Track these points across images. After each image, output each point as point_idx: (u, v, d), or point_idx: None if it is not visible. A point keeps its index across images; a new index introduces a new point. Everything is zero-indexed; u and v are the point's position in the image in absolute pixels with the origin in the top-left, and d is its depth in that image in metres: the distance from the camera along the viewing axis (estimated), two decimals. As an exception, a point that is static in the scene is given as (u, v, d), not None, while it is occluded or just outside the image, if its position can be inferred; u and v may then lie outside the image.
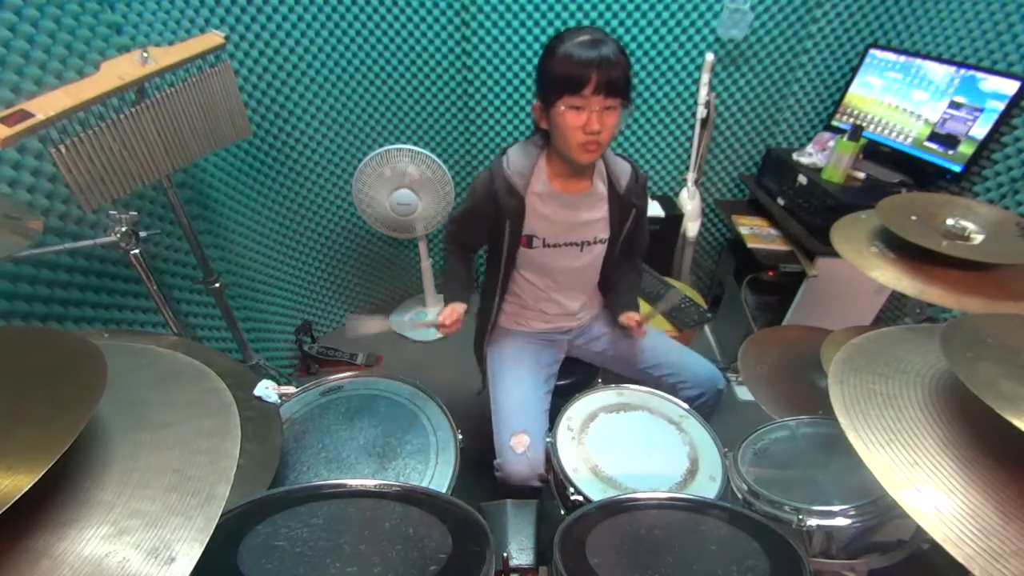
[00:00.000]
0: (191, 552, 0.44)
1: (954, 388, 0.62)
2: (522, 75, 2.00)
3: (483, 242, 1.28)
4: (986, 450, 0.54)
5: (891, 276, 1.02)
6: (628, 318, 1.26)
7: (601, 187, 1.19)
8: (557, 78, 0.98)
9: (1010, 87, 1.46)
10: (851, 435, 0.58)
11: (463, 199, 1.25)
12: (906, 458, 0.55)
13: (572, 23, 1.89)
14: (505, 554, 0.80)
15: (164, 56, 1.15)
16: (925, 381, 0.64)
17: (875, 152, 1.83)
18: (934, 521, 0.49)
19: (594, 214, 1.19)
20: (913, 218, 1.10)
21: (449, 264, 1.34)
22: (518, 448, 1.09)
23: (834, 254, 1.13)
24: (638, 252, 1.37)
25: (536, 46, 1.94)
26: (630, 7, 1.86)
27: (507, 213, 1.13)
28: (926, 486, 0.52)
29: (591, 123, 0.99)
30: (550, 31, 1.91)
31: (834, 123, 1.99)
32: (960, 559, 0.45)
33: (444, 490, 0.90)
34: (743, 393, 1.98)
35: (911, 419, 0.59)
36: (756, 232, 1.96)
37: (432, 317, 2.34)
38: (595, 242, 1.22)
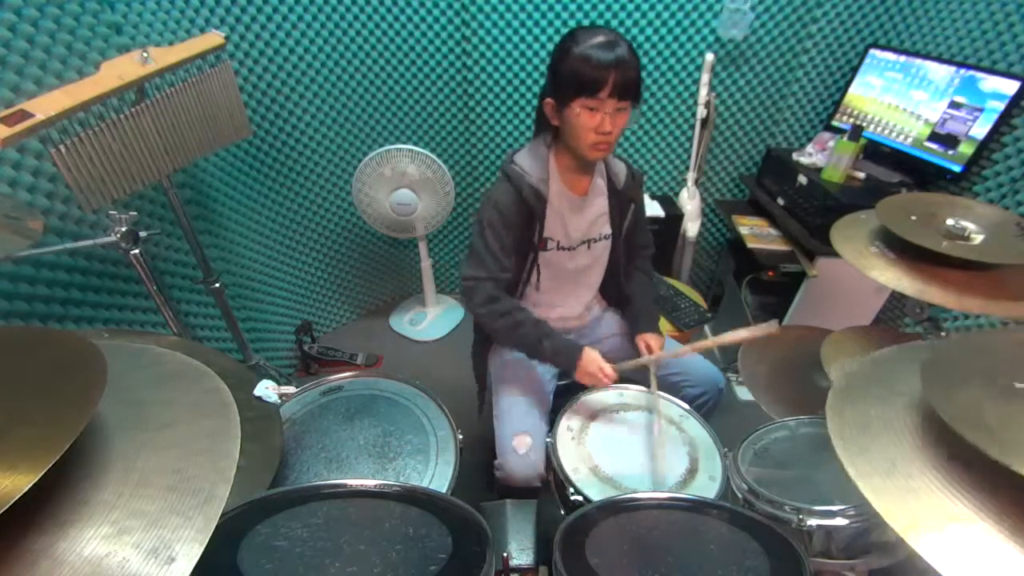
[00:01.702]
0: (191, 552, 0.44)
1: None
2: (522, 75, 2.00)
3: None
4: (979, 471, 0.53)
5: (891, 276, 1.02)
6: (644, 344, 1.22)
7: (601, 183, 1.20)
8: (573, 79, 0.98)
9: (1010, 87, 1.46)
10: (852, 471, 0.57)
11: (482, 232, 1.12)
12: (904, 486, 0.53)
13: (572, 23, 1.89)
14: (505, 554, 0.80)
15: (164, 56, 1.15)
16: (921, 404, 0.63)
17: (875, 152, 1.83)
18: (937, 552, 0.48)
19: (597, 210, 1.20)
20: (913, 218, 1.10)
21: (520, 316, 1.14)
22: (520, 449, 1.09)
23: (834, 254, 1.13)
24: (641, 251, 1.37)
25: (536, 46, 1.94)
26: (630, 7, 1.86)
27: (537, 219, 1.13)
28: (926, 515, 0.51)
29: (604, 124, 1.00)
30: (550, 31, 1.91)
31: (834, 123, 1.99)
32: None
33: (444, 490, 0.90)
34: (743, 393, 1.97)
35: (909, 445, 0.58)
36: (756, 232, 1.96)
37: (431, 318, 2.37)
38: (600, 238, 1.23)
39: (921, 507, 0.52)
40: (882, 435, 0.60)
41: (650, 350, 1.21)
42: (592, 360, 1.11)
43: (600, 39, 0.97)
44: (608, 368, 1.11)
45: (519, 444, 1.10)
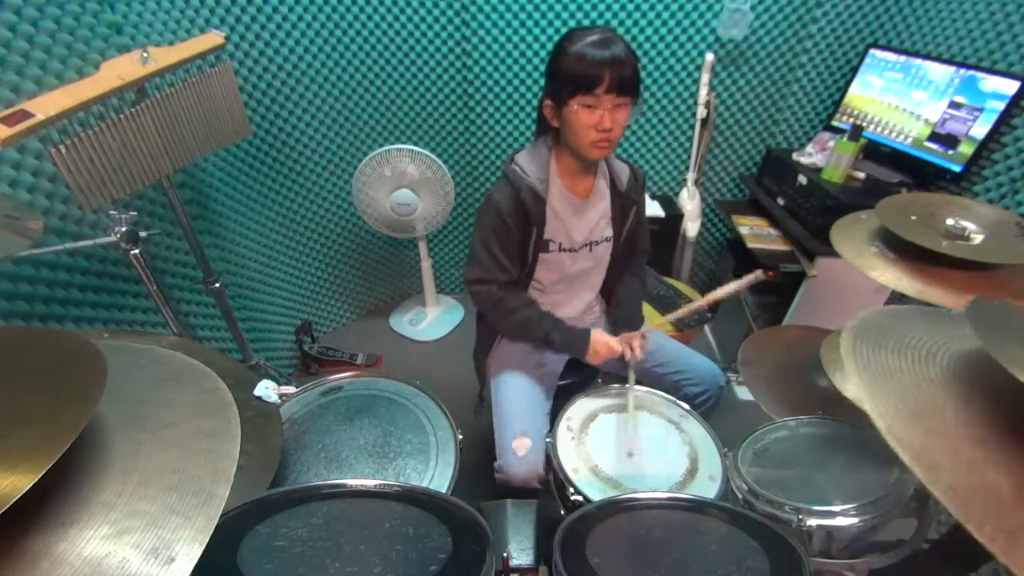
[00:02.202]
0: (191, 552, 0.44)
1: (970, 367, 0.61)
2: (522, 75, 2.00)
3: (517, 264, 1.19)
4: (1003, 429, 0.53)
5: (891, 276, 1.02)
6: (626, 344, 1.19)
7: (603, 185, 1.20)
8: (570, 77, 0.98)
9: (1010, 87, 1.46)
10: (868, 405, 0.57)
11: (483, 234, 1.14)
12: (923, 431, 0.54)
13: (572, 23, 1.90)
14: (505, 554, 0.79)
15: (164, 56, 1.15)
16: (937, 360, 0.64)
17: (875, 152, 1.83)
18: (953, 498, 0.48)
19: (599, 213, 1.20)
20: (913, 218, 1.10)
21: (526, 313, 1.19)
22: (519, 451, 1.09)
23: (834, 254, 1.13)
24: (639, 253, 1.37)
25: (536, 46, 1.94)
26: (630, 7, 1.86)
27: (535, 221, 1.12)
28: (946, 461, 0.51)
29: (603, 121, 1.00)
30: (550, 31, 1.91)
31: (834, 123, 1.99)
32: (981, 538, 0.45)
33: (444, 490, 0.90)
34: (743, 393, 1.97)
35: (926, 393, 0.58)
36: (756, 232, 1.96)
37: (431, 318, 2.37)
38: (602, 240, 1.23)
39: (935, 447, 0.52)
40: (897, 379, 0.60)
41: (631, 349, 1.19)
42: (601, 343, 1.19)
43: (595, 37, 0.97)
44: (615, 344, 1.18)
45: (519, 446, 1.10)
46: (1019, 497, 0.48)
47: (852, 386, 0.62)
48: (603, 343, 1.19)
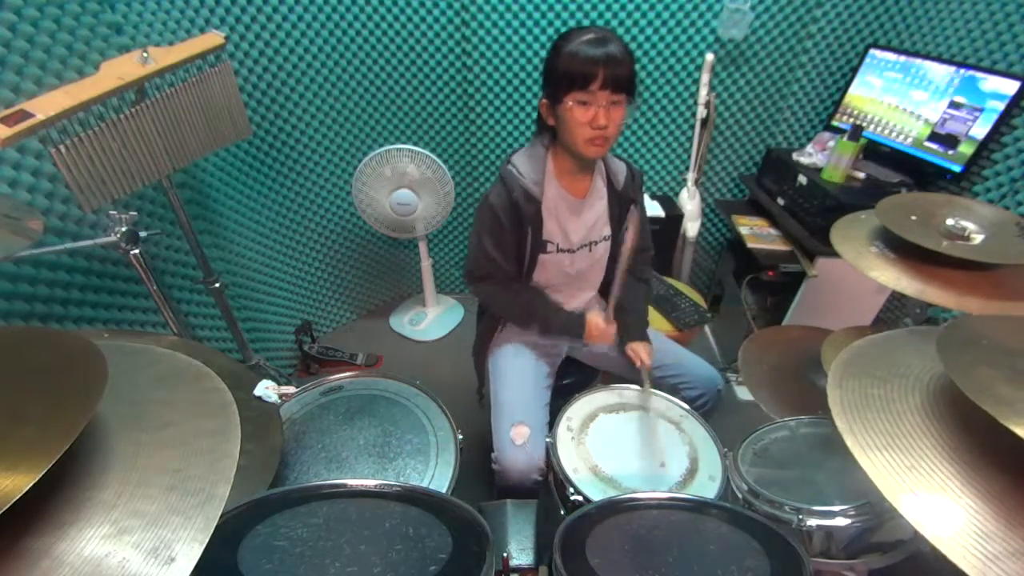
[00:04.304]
0: (191, 552, 0.44)
1: (951, 391, 0.62)
2: (522, 75, 2.00)
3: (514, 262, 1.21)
4: (981, 452, 0.54)
5: (891, 276, 1.02)
6: (634, 353, 1.23)
7: (601, 185, 1.20)
8: (565, 74, 0.99)
9: (1010, 87, 1.46)
10: (849, 440, 0.58)
11: (478, 233, 1.16)
12: (903, 462, 0.55)
13: (572, 23, 1.89)
14: (505, 554, 0.80)
15: (164, 56, 1.15)
16: (923, 384, 0.64)
17: (875, 152, 1.83)
18: (931, 524, 0.49)
19: (596, 212, 1.20)
20: (913, 218, 1.10)
21: (525, 298, 1.23)
22: (517, 439, 1.09)
23: (834, 254, 1.13)
24: (640, 254, 1.36)
25: (536, 46, 1.94)
26: (630, 7, 1.86)
27: (529, 222, 1.12)
28: (923, 490, 0.52)
29: (598, 118, 1.00)
30: (550, 31, 1.91)
31: (834, 123, 1.99)
32: (957, 562, 0.45)
33: (444, 490, 0.90)
34: (743, 393, 1.97)
35: (909, 423, 0.59)
36: (756, 232, 1.96)
37: (431, 318, 2.37)
38: (601, 240, 1.23)
39: (916, 480, 0.53)
40: (882, 411, 0.61)
41: (640, 359, 1.22)
42: (595, 324, 1.21)
43: (590, 36, 0.98)
44: (602, 322, 1.21)
45: (517, 435, 1.10)
46: (998, 519, 0.48)
47: (836, 418, 0.63)
48: (597, 325, 1.21)
